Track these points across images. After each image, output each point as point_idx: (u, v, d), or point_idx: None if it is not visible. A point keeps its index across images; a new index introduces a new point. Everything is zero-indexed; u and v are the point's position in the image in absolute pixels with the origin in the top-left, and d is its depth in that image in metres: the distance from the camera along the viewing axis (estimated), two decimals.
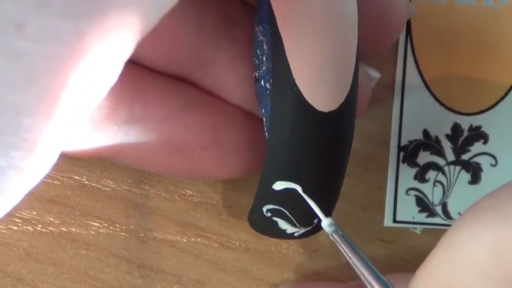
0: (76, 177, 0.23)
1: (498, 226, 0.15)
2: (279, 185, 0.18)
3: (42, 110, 0.11)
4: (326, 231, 0.19)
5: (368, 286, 0.17)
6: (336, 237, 0.19)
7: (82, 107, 0.12)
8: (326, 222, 0.19)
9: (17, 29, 0.11)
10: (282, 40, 0.17)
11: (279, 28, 0.17)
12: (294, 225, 0.20)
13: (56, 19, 0.11)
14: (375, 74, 0.22)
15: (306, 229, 0.20)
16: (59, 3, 0.11)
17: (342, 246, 0.18)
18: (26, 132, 0.11)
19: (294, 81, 0.17)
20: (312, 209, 0.19)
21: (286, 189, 0.19)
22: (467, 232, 0.16)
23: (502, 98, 0.25)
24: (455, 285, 0.16)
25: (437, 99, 0.24)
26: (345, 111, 0.18)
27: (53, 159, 0.12)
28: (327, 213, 0.20)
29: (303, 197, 0.19)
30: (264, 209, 0.20)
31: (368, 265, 0.17)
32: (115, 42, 0.12)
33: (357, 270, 0.17)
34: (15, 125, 0.11)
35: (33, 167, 0.12)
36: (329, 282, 0.24)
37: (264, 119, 0.20)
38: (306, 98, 0.17)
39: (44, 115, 0.11)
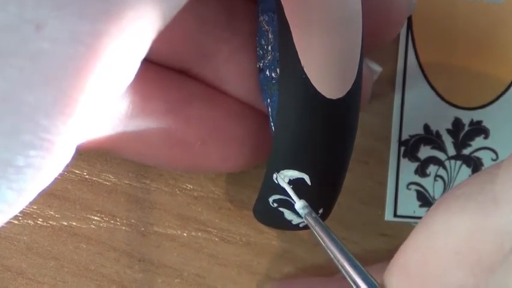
0: (77, 171, 0.23)
1: (472, 214, 0.15)
2: (286, 174, 0.18)
3: (60, 111, 0.11)
4: (300, 213, 0.19)
5: (341, 269, 0.17)
6: (309, 220, 0.18)
7: (99, 106, 0.12)
8: (299, 205, 0.19)
9: (36, 29, 0.11)
10: (289, 29, 0.17)
11: (287, 17, 0.17)
12: (299, 215, 0.20)
13: (75, 19, 0.11)
14: (377, 68, 0.22)
15: None
16: (78, 3, 0.11)
17: (316, 228, 0.18)
18: (44, 132, 0.11)
19: (302, 69, 0.17)
20: (288, 193, 0.19)
21: (293, 178, 0.18)
22: (442, 221, 0.16)
23: (503, 93, 0.25)
24: (429, 273, 0.16)
25: (438, 94, 0.24)
26: (352, 99, 0.18)
27: (68, 157, 0.12)
28: (332, 203, 0.20)
29: (309, 185, 0.18)
30: (270, 199, 0.19)
31: (340, 247, 0.17)
32: (132, 41, 0.12)
33: (329, 252, 0.17)
34: (34, 124, 0.11)
35: (51, 166, 0.12)
36: (311, 278, 0.24)
37: (270, 109, 0.20)
38: (315, 86, 0.17)
39: (62, 115, 0.11)
